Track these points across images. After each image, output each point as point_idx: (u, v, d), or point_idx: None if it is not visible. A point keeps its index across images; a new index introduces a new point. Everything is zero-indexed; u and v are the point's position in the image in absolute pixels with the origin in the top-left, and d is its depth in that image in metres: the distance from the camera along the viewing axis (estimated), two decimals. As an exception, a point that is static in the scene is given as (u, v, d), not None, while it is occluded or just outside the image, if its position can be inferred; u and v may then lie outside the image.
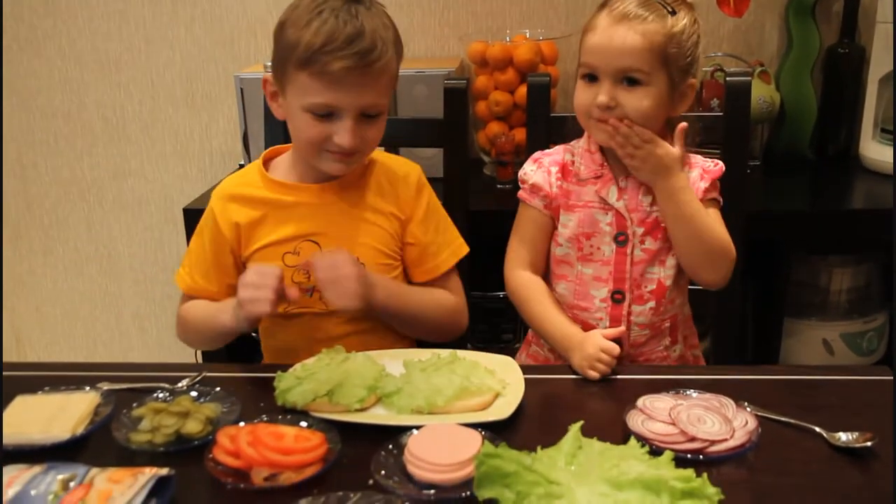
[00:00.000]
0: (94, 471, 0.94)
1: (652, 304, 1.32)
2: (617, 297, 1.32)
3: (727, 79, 1.54)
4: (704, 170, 1.33)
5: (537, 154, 1.41)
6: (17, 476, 0.92)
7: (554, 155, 1.38)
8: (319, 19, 1.24)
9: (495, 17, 2.26)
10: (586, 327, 1.32)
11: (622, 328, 1.29)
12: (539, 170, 1.37)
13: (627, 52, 1.23)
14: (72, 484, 0.92)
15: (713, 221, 1.29)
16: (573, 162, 1.36)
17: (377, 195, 1.40)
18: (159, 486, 0.92)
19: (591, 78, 1.28)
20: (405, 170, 1.44)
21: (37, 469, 0.94)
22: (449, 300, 1.41)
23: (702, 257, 1.29)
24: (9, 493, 0.90)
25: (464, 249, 1.45)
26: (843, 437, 1.01)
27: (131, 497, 0.89)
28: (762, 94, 2.04)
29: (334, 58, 1.22)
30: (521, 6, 2.24)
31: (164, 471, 0.94)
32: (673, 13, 1.24)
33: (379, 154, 1.45)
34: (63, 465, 0.95)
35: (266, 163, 1.42)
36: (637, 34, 1.23)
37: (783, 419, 1.06)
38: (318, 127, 1.28)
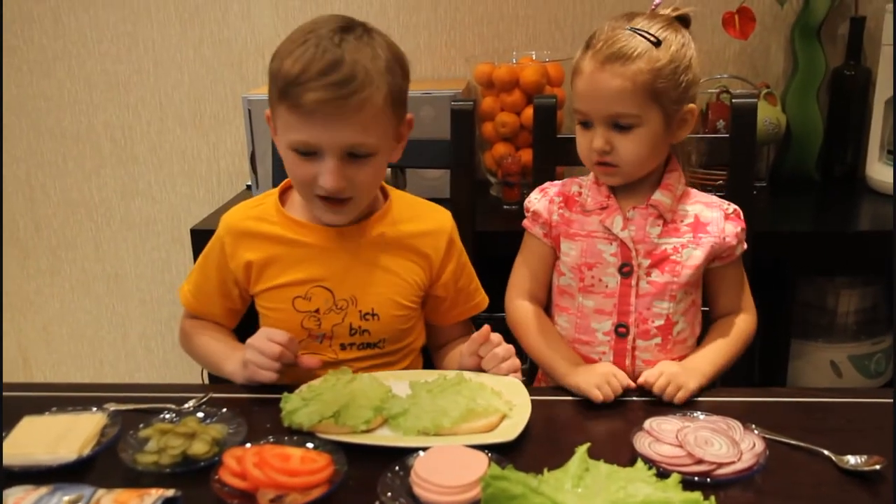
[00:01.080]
0: (101, 492, 0.94)
1: (658, 340, 1.30)
2: (621, 330, 1.30)
3: (733, 100, 1.54)
4: (727, 214, 1.30)
5: (546, 184, 1.40)
6: (24, 497, 0.92)
7: (561, 186, 1.37)
8: (301, 49, 1.16)
9: (502, 38, 2.27)
10: (588, 362, 1.30)
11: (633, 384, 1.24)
12: (543, 198, 1.36)
13: (613, 98, 1.21)
14: None
15: (735, 341, 1.31)
16: (580, 193, 1.34)
17: (399, 244, 1.34)
18: None
19: (586, 124, 1.27)
20: (437, 221, 1.38)
21: (43, 490, 0.94)
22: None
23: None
24: None
25: (484, 304, 1.45)
26: (852, 460, 1.01)
27: None
28: (768, 115, 2.05)
29: (306, 89, 1.14)
30: (528, 28, 2.26)
31: (171, 492, 0.94)
32: (657, 44, 1.21)
33: (410, 199, 1.41)
34: (69, 486, 0.95)
35: (283, 194, 1.37)
36: (620, 78, 1.20)
37: (791, 442, 1.06)
38: (304, 167, 1.21)
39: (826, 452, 1.03)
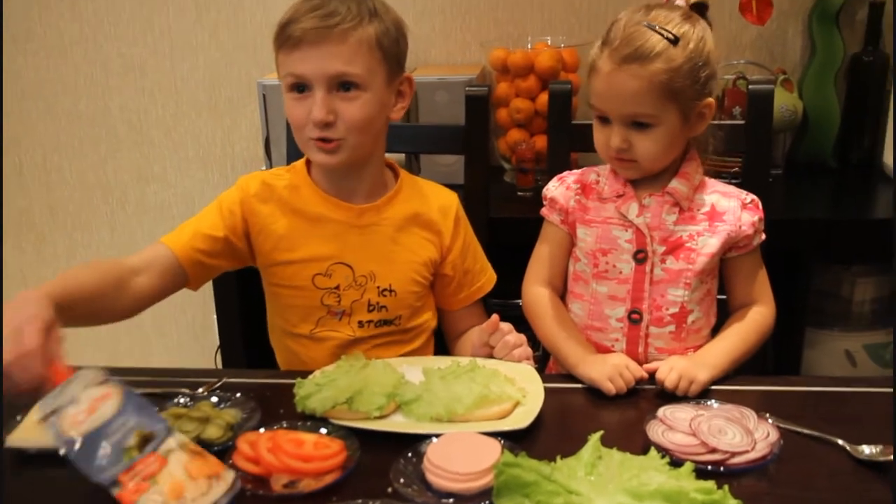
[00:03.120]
0: (172, 442, 0.91)
1: (672, 328, 1.29)
2: (634, 316, 1.30)
3: (749, 87, 1.53)
4: (744, 202, 1.30)
5: (564, 173, 1.40)
6: (85, 411, 0.88)
7: (579, 174, 1.37)
8: (295, 5, 1.26)
9: (517, 24, 2.26)
10: (601, 349, 1.31)
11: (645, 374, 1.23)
12: (560, 186, 1.37)
13: (631, 98, 1.20)
14: (148, 448, 0.89)
15: (751, 333, 1.30)
16: (597, 181, 1.34)
17: (414, 222, 1.37)
18: None
19: (604, 120, 1.26)
20: (444, 200, 1.42)
21: (114, 403, 0.90)
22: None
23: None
24: (84, 424, 0.87)
25: (493, 280, 1.46)
26: (867, 450, 1.01)
27: None
28: (785, 102, 2.03)
29: (296, 24, 1.23)
30: (543, 13, 2.24)
31: (237, 481, 0.94)
32: (675, 41, 1.19)
33: (415, 179, 1.44)
34: (143, 410, 0.92)
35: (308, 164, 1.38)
36: (637, 79, 1.19)
37: (805, 431, 1.06)
38: (298, 107, 1.26)
39: (840, 442, 1.03)
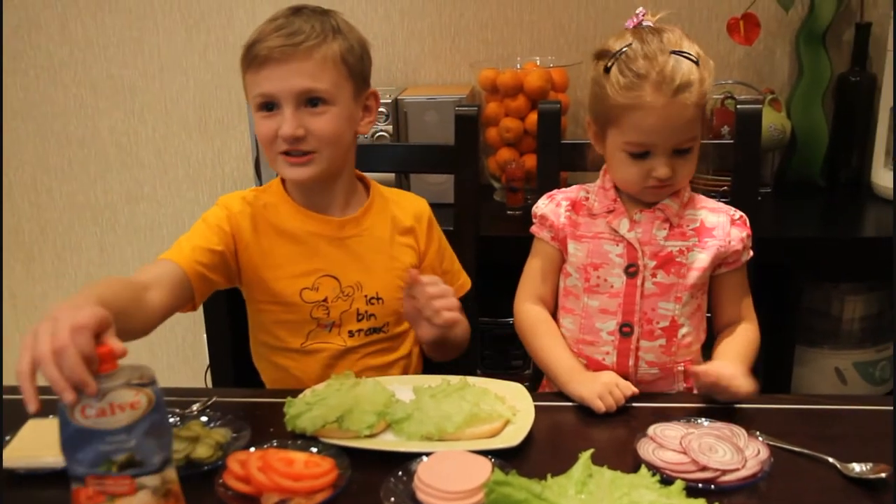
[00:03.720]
0: (155, 480, 0.86)
1: (662, 341, 1.30)
2: (625, 329, 1.30)
3: (738, 106, 1.54)
4: (733, 218, 1.31)
5: (553, 191, 1.40)
6: (113, 410, 0.84)
7: (568, 192, 1.38)
8: (260, 27, 1.30)
9: (506, 44, 2.27)
10: (592, 363, 1.31)
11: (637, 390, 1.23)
12: (550, 203, 1.37)
13: (684, 126, 1.21)
14: (128, 471, 0.85)
15: (750, 343, 1.32)
16: (587, 198, 1.35)
17: (394, 229, 1.40)
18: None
19: (640, 155, 1.25)
20: (417, 206, 1.46)
21: (130, 417, 0.84)
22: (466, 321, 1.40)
23: None
24: (89, 420, 0.83)
25: (468, 284, 1.49)
26: (857, 467, 1.00)
27: None
28: (773, 121, 2.05)
29: (262, 43, 1.26)
30: (532, 34, 2.26)
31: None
32: (697, 63, 1.21)
33: (386, 190, 1.46)
34: (156, 435, 0.86)
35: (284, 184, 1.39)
36: (689, 107, 1.20)
37: (795, 449, 1.06)
38: (267, 124, 1.28)
39: (831, 460, 1.03)
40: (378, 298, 1.37)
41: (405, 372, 1.44)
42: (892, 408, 1.17)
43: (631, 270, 1.29)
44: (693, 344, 1.33)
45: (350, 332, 1.36)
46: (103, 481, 0.85)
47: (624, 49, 1.22)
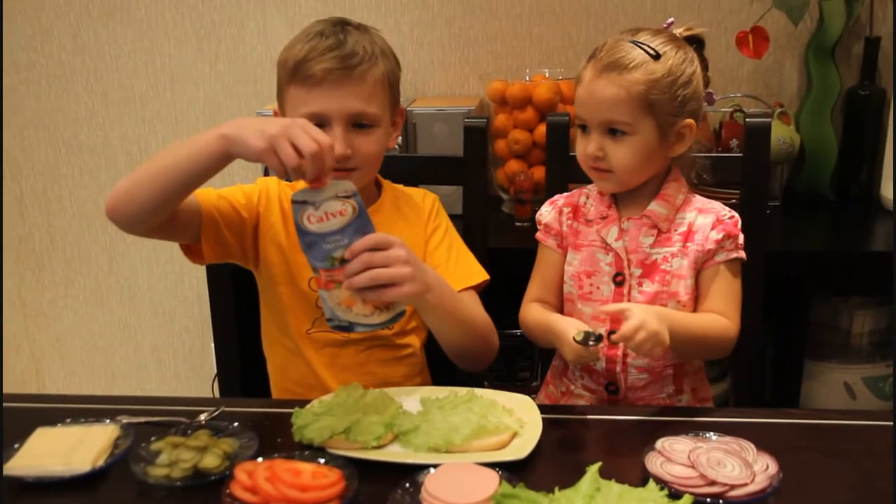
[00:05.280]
0: None
1: None
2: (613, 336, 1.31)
3: (746, 120, 1.54)
4: (719, 218, 1.30)
5: (555, 196, 1.43)
6: (328, 217, 1.13)
7: (569, 196, 1.41)
8: (307, 38, 1.31)
9: (515, 56, 2.28)
10: (586, 367, 1.36)
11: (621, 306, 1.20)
12: (553, 210, 1.40)
13: (608, 104, 1.25)
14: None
15: (705, 321, 1.27)
16: (585, 203, 1.38)
17: (402, 222, 1.42)
18: None
19: (584, 129, 1.30)
20: (422, 196, 1.49)
21: (341, 222, 1.13)
22: (484, 313, 1.39)
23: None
24: (312, 226, 1.14)
25: (481, 275, 1.43)
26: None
27: None
28: (782, 135, 2.04)
29: (315, 63, 1.27)
30: (541, 46, 2.27)
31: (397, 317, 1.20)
32: (656, 57, 1.24)
33: (397, 187, 1.49)
34: (362, 229, 1.14)
35: None
36: (615, 86, 1.24)
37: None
38: None
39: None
40: None
41: (409, 370, 1.44)
42: (901, 423, 1.16)
43: (618, 280, 1.31)
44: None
45: None
46: (331, 273, 1.14)
47: (608, 39, 1.29)
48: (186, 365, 2.64)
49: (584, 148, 1.30)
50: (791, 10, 2.01)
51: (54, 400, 1.46)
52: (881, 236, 2.04)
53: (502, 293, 1.48)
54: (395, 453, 1.09)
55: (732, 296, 1.32)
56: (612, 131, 1.27)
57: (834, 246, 1.99)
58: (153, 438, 1.09)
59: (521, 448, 1.07)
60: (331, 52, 1.28)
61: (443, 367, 1.47)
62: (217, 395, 2.15)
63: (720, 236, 1.29)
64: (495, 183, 2.20)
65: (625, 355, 1.32)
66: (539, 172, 2.07)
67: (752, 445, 1.06)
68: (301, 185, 1.38)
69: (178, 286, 2.57)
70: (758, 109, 2.08)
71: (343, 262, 1.13)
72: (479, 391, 1.20)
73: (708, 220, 1.31)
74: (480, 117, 1.64)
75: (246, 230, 1.36)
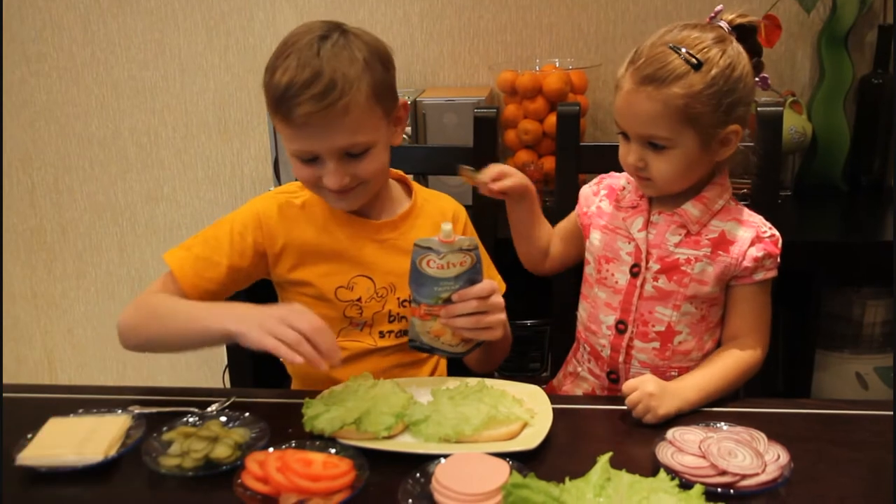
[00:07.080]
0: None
1: (656, 344, 1.30)
2: (620, 326, 1.31)
3: (758, 109, 1.53)
4: (759, 235, 1.26)
5: (609, 174, 1.42)
6: (447, 266, 1.19)
7: (616, 178, 1.39)
8: (284, 63, 1.22)
9: (525, 46, 2.27)
10: (593, 351, 1.36)
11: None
12: (593, 187, 1.41)
13: (645, 119, 1.20)
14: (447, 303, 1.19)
15: (732, 370, 1.24)
16: (623, 188, 1.36)
17: (431, 232, 1.36)
18: None
19: (625, 136, 1.26)
20: (451, 206, 1.45)
21: (456, 272, 1.19)
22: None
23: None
24: (429, 270, 1.19)
25: (502, 286, 1.44)
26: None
27: None
28: (794, 124, 2.03)
29: (294, 104, 1.20)
30: (551, 36, 2.26)
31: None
32: (697, 66, 1.17)
33: (424, 190, 1.45)
34: (475, 279, 1.21)
35: None
36: (652, 102, 1.18)
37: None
38: (307, 170, 1.28)
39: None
40: (411, 301, 1.34)
41: (428, 371, 1.44)
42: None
43: (634, 270, 1.30)
44: (693, 352, 1.31)
45: (381, 332, 1.37)
46: (431, 308, 1.21)
47: (653, 35, 1.24)
48: (197, 355, 2.65)
49: (626, 156, 1.26)
50: (803, -2, 2.00)
51: (66, 390, 1.47)
52: (893, 226, 2.03)
53: (512, 284, 1.48)
54: (405, 443, 1.09)
55: (763, 317, 1.30)
56: (653, 144, 1.22)
57: (846, 236, 1.99)
58: (165, 428, 1.10)
59: (531, 438, 1.07)
60: (309, 90, 1.19)
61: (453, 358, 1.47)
62: (228, 385, 2.16)
63: (760, 254, 1.25)
64: (505, 173, 2.19)
65: (629, 346, 1.31)
66: (549, 162, 2.06)
67: (763, 435, 1.06)
68: (295, 188, 1.39)
69: (189, 277, 2.58)
70: (769, 98, 2.07)
71: (447, 301, 1.19)
72: (489, 381, 1.20)
73: (747, 234, 1.26)
74: (490, 107, 1.64)
75: (239, 270, 1.33)
